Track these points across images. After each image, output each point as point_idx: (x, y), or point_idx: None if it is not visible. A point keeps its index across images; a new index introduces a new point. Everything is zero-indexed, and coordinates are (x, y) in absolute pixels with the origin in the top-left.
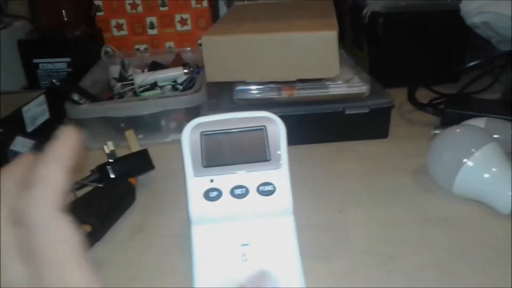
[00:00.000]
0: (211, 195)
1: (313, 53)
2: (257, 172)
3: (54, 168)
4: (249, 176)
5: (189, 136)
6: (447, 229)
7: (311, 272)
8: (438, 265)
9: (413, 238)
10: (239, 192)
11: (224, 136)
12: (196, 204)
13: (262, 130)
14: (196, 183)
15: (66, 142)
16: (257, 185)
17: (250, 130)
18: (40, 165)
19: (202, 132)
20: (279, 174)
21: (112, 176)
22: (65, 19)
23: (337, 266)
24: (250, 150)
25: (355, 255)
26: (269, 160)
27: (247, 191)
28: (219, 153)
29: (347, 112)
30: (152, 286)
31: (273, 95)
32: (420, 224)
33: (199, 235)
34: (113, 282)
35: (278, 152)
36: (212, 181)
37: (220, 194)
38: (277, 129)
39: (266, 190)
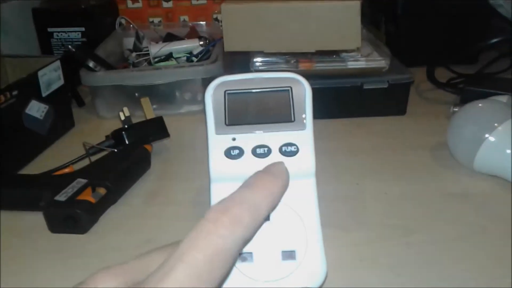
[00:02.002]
0: (233, 153)
1: (335, 23)
2: (281, 133)
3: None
4: (272, 136)
5: (213, 94)
6: (467, 204)
7: (329, 241)
8: (458, 239)
9: (432, 213)
10: (261, 152)
11: (248, 95)
12: (217, 161)
13: (287, 91)
14: (218, 141)
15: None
16: (279, 145)
17: (276, 90)
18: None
19: (226, 90)
20: (303, 136)
21: (127, 141)
22: None
23: (356, 236)
24: (274, 111)
25: (374, 227)
26: (293, 121)
27: (269, 151)
28: (243, 112)
29: (366, 87)
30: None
31: (290, 67)
32: (439, 199)
33: (218, 193)
34: (127, 245)
35: (303, 114)
36: (234, 139)
37: (241, 152)
38: (303, 91)
39: (289, 150)
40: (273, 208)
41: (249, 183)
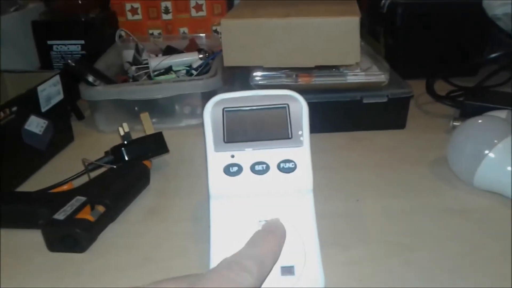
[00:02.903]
0: (232, 170)
1: (334, 39)
2: (278, 149)
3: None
4: (270, 152)
5: (211, 111)
6: (467, 221)
7: (328, 259)
8: (458, 256)
9: (432, 229)
10: (259, 168)
11: (247, 112)
12: (216, 179)
13: (284, 108)
14: (217, 158)
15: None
16: (278, 162)
17: (273, 107)
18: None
19: (224, 108)
20: (300, 152)
21: (127, 158)
22: (80, 1)
23: (354, 254)
24: (272, 128)
25: (373, 244)
26: (290, 138)
27: (267, 168)
28: (241, 129)
29: (365, 101)
30: (165, 267)
31: (289, 82)
32: (439, 216)
33: (217, 210)
34: (126, 263)
35: (300, 131)
36: (233, 156)
37: (240, 169)
38: (299, 107)
39: (286, 167)
40: (276, 261)
41: (253, 242)
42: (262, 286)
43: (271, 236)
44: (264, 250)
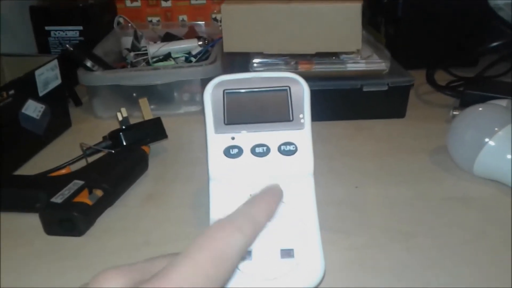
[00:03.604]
0: (232, 152)
1: (336, 25)
2: (279, 132)
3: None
4: (270, 135)
5: (212, 93)
6: (467, 209)
7: (329, 245)
8: (458, 244)
9: (432, 217)
10: (260, 151)
11: (247, 94)
12: (216, 160)
13: (286, 90)
14: (217, 140)
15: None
16: (278, 144)
17: (274, 90)
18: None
19: (225, 89)
20: (301, 135)
21: (125, 143)
22: None
23: (356, 241)
24: (273, 110)
25: (374, 231)
26: (291, 120)
27: (268, 150)
28: (242, 111)
29: (365, 89)
30: (163, 252)
31: (289, 69)
32: (439, 203)
33: (217, 192)
34: (124, 247)
35: (301, 114)
36: (233, 138)
37: (240, 151)
38: (301, 90)
39: (287, 149)
40: (269, 219)
41: (248, 201)
42: (262, 268)
43: (266, 195)
44: (257, 208)
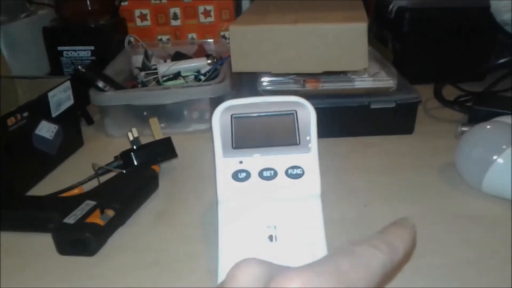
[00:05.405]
0: (240, 176)
1: (342, 45)
2: (286, 156)
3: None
4: (278, 159)
5: (220, 117)
6: (476, 227)
7: None
8: (467, 263)
9: (440, 235)
10: (267, 174)
11: (255, 119)
12: (224, 184)
13: (292, 114)
14: (225, 164)
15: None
16: (285, 168)
17: (281, 114)
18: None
19: (233, 114)
20: (308, 158)
21: (136, 162)
22: (89, 8)
23: None
24: (280, 134)
25: None
26: (298, 144)
27: (275, 174)
28: (249, 135)
29: (373, 106)
30: (173, 271)
31: (297, 87)
32: (448, 221)
33: (226, 215)
34: (135, 267)
35: (308, 137)
36: (241, 162)
37: (248, 175)
38: (307, 114)
39: (294, 173)
40: (407, 251)
41: (382, 230)
42: None
43: (399, 225)
44: (393, 234)
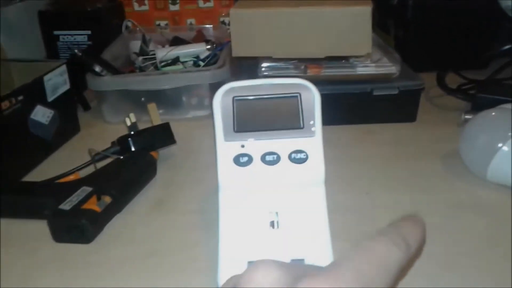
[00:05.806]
0: (242, 160)
1: (345, 29)
2: (290, 139)
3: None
4: (281, 143)
5: (221, 100)
6: (480, 216)
7: (338, 253)
8: (471, 252)
9: (444, 224)
10: (270, 159)
11: (257, 101)
12: (226, 169)
13: (296, 97)
14: (227, 148)
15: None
16: (289, 152)
17: (284, 97)
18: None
19: (234, 96)
20: (312, 143)
21: (133, 148)
22: None
23: None
24: (283, 117)
25: None
26: (302, 128)
27: (278, 158)
28: (251, 118)
29: (375, 93)
30: (171, 259)
31: (298, 73)
32: (451, 210)
33: (227, 201)
34: (132, 255)
35: (312, 121)
36: (243, 146)
37: (250, 159)
38: (311, 97)
39: (298, 157)
40: (418, 247)
41: (395, 224)
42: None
43: (412, 222)
44: (406, 229)
